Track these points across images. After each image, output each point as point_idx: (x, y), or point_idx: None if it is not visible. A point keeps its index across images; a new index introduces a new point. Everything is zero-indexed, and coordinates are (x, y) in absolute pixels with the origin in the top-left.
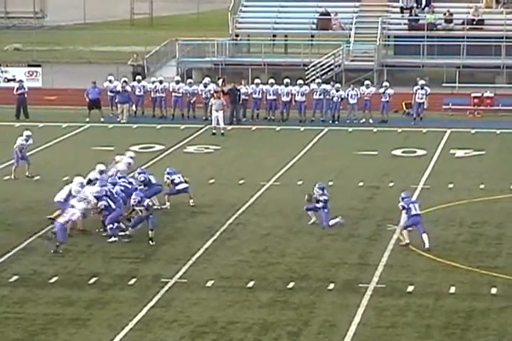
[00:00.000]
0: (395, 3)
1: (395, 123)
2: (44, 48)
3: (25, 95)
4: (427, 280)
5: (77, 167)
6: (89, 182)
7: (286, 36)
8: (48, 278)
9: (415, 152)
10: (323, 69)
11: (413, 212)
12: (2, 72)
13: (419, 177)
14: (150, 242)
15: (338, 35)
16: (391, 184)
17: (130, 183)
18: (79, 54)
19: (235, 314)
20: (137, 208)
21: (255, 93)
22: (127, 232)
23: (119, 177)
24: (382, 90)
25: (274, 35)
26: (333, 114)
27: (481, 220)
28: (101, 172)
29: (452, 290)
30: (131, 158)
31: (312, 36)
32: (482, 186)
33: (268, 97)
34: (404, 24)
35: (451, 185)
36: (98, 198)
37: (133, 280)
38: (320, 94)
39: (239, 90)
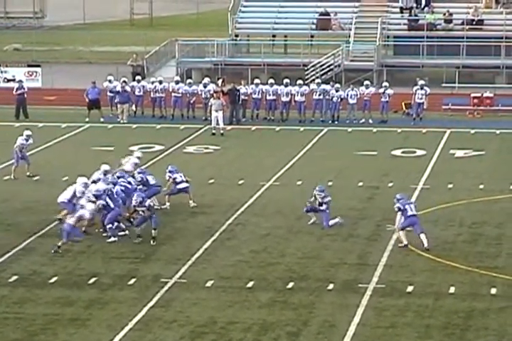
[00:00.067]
0: (394, 3)
1: (395, 124)
2: (44, 48)
3: (25, 95)
4: (426, 280)
5: (76, 167)
6: (94, 183)
7: (285, 36)
8: (48, 278)
9: (415, 152)
10: (323, 70)
11: (409, 213)
12: (2, 72)
13: (419, 177)
14: (151, 241)
15: (338, 36)
16: (390, 184)
17: (129, 183)
18: (78, 54)
19: (234, 314)
20: (139, 209)
21: (255, 93)
22: (127, 232)
23: (119, 177)
24: (381, 90)
25: (274, 36)
26: (332, 114)
27: (480, 220)
28: (105, 172)
29: (452, 290)
30: (139, 158)
31: (312, 36)
32: (482, 186)
33: (268, 97)
34: (404, 24)
35: (450, 185)
36: (97, 197)
37: (132, 281)
38: (320, 94)
39: (238, 90)
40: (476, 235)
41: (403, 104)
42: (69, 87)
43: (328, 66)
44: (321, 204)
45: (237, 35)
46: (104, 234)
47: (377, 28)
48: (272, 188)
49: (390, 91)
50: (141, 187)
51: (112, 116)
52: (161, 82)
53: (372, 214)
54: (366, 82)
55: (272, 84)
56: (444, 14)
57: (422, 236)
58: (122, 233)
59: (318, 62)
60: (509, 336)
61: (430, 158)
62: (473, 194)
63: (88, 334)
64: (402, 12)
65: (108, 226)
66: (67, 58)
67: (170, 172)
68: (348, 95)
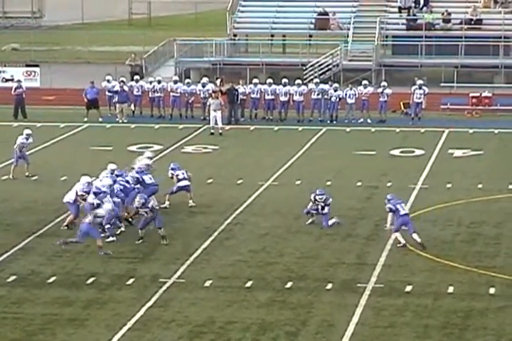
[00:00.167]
0: (393, 2)
1: (393, 123)
2: (42, 48)
3: (24, 95)
4: (425, 280)
5: (75, 167)
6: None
7: (284, 36)
8: (46, 278)
9: (413, 152)
10: (322, 69)
11: (401, 212)
12: (0, 72)
13: (418, 177)
14: (163, 241)
15: (336, 35)
16: (389, 184)
17: (127, 182)
18: (77, 54)
19: (233, 314)
20: (142, 210)
21: (253, 93)
22: (123, 228)
23: (117, 175)
24: (380, 90)
25: (272, 35)
26: (331, 114)
27: (479, 220)
28: (112, 171)
29: (450, 290)
30: (150, 158)
31: (310, 36)
32: (480, 186)
33: (266, 97)
34: (403, 24)
35: (449, 185)
36: (96, 194)
37: (131, 281)
38: (318, 94)
39: (237, 90)
40: (475, 235)
41: (401, 103)
42: (67, 87)
43: (327, 66)
44: (323, 208)
45: (235, 35)
46: (103, 234)
47: (375, 27)
48: (271, 188)
49: (388, 90)
50: (138, 186)
51: (111, 116)
52: (159, 82)
53: (370, 214)
54: (364, 82)
55: (270, 84)
56: (443, 14)
57: (415, 235)
58: (119, 231)
59: (317, 62)
60: (508, 335)
61: (429, 158)
62: (472, 193)
63: (87, 334)
64: (400, 12)
65: (106, 226)
66: (65, 58)
67: (172, 169)
68: (346, 95)
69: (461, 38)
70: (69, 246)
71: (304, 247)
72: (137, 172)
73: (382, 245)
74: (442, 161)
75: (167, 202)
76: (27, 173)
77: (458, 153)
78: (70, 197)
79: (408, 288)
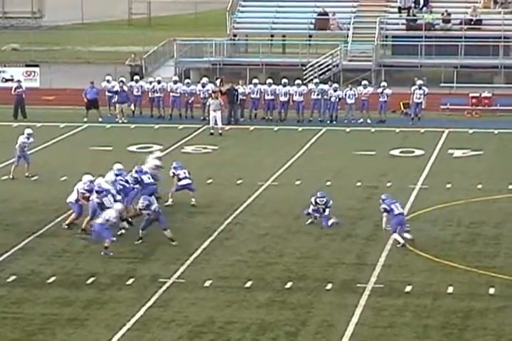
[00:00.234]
0: (392, 3)
1: (393, 123)
2: (42, 48)
3: (23, 95)
4: (424, 280)
5: (75, 167)
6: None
7: (284, 36)
8: (46, 278)
9: (413, 152)
10: (321, 69)
11: (396, 212)
12: (0, 72)
13: (417, 177)
14: (172, 242)
15: (336, 35)
16: (389, 184)
17: (127, 182)
18: (77, 54)
19: (232, 314)
20: (145, 212)
21: (253, 93)
22: (123, 231)
23: (117, 175)
24: (380, 90)
25: (272, 35)
26: (331, 114)
27: (479, 220)
28: (119, 171)
29: (450, 290)
30: (159, 158)
31: (310, 36)
32: (480, 186)
33: (266, 97)
34: (402, 24)
35: (449, 185)
36: (98, 192)
37: (131, 281)
38: (318, 94)
39: (237, 90)
40: (475, 235)
41: (401, 103)
42: (67, 87)
43: (327, 66)
44: (324, 211)
45: (235, 35)
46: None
47: (375, 27)
48: (271, 188)
49: (388, 91)
50: (137, 186)
51: (111, 116)
52: (159, 82)
53: (370, 214)
54: (364, 82)
55: (270, 84)
56: (443, 14)
57: (406, 234)
58: (119, 232)
59: (317, 62)
60: (507, 336)
61: (428, 158)
62: (472, 194)
63: (86, 334)
64: (400, 12)
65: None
66: (65, 58)
67: (174, 168)
68: (346, 95)
69: (461, 38)
70: (86, 240)
71: (303, 247)
72: (136, 172)
73: (382, 245)
74: (442, 161)
75: (170, 200)
76: (27, 173)
77: (458, 153)
78: (73, 197)
79: (408, 288)
